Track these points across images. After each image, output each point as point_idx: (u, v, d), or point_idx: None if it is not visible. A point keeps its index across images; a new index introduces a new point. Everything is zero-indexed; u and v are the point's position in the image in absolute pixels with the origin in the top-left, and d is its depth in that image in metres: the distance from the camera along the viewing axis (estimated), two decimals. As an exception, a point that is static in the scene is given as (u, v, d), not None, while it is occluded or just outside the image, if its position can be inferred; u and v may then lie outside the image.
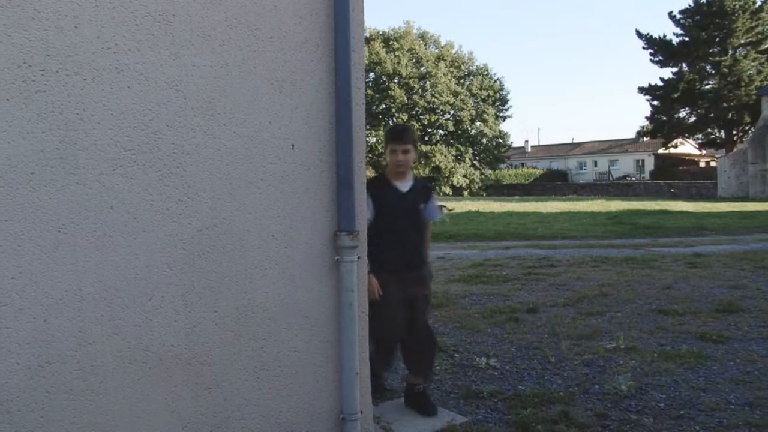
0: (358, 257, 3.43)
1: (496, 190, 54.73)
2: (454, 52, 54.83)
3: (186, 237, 2.99)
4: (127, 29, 2.88)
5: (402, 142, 4.05)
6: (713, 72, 48.60)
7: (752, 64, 46.88)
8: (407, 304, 4.13)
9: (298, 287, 3.32)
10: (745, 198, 36.43)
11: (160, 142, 2.94)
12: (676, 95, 48.92)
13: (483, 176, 55.27)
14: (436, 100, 50.98)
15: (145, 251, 2.90)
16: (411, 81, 51.36)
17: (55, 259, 2.70)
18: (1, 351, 2.62)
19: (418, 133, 47.93)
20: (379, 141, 44.92)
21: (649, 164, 61.76)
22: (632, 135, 61.74)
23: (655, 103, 51.90)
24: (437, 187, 48.02)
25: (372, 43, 51.01)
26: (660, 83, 50.72)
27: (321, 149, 3.39)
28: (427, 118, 51.43)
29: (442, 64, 52.46)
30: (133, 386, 2.89)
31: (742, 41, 47.28)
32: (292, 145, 3.28)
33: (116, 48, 2.86)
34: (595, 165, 68.52)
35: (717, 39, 47.89)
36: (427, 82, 52.42)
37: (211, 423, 3.10)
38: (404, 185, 4.13)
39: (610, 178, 60.46)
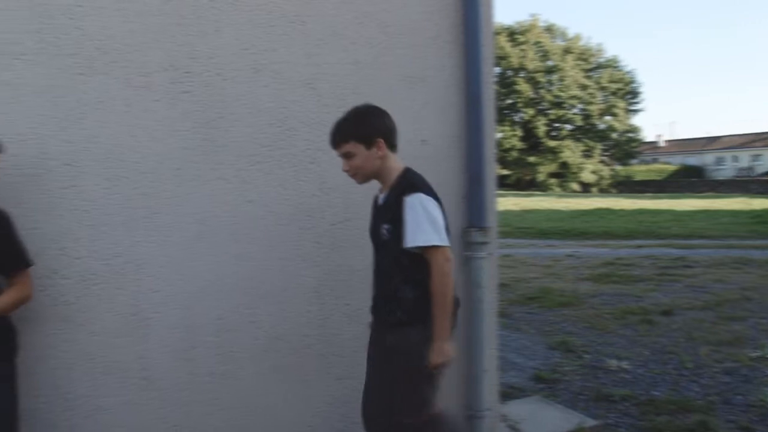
0: (489, 253, 3.38)
1: (626, 186, 52.45)
2: (582, 44, 53.10)
3: (320, 231, 3.07)
4: (263, 30, 3.00)
5: (334, 146, 2.60)
6: None
7: None
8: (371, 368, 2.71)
9: (427, 282, 3.30)
10: None
11: (295, 139, 3.03)
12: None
13: (613, 172, 53.16)
14: (563, 94, 49.59)
15: (280, 244, 3.00)
16: (537, 75, 50.27)
17: (197, 250, 2.85)
18: (152, 335, 2.81)
19: (545, 128, 46.63)
20: (506, 137, 44.31)
21: (799, 159, 57.06)
22: (779, 127, 57.10)
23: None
24: (563, 184, 46.61)
25: (497, 37, 50.33)
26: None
27: (451, 144, 3.37)
28: (554, 112, 50.13)
29: (569, 57, 50.92)
30: (269, 373, 3.01)
31: None
32: (423, 141, 3.28)
33: (254, 49, 2.98)
34: (735, 160, 64.15)
35: None
36: (554, 76, 51.09)
37: (339, 412, 3.16)
38: (381, 196, 2.65)
39: (753, 174, 56.36)
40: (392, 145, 2.57)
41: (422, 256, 2.40)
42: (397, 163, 2.58)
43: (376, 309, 2.62)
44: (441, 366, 2.43)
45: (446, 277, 2.38)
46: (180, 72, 2.86)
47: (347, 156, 2.53)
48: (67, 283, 2.72)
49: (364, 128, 2.50)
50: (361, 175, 2.57)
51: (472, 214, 3.34)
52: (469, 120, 3.34)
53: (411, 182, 2.47)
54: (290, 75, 3.02)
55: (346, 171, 2.55)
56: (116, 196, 2.80)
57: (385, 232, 2.48)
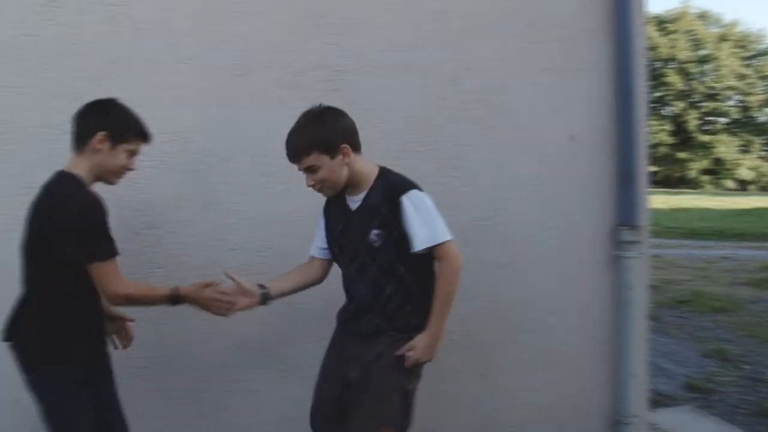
0: (640, 253, 3.22)
1: (790, 184, 48.25)
2: (739, 30, 49.39)
3: (463, 226, 3.04)
4: (411, 28, 3.01)
5: (294, 161, 2.29)
6: None
7: None
8: (340, 384, 2.40)
9: (574, 281, 3.22)
10: None
11: (440, 135, 3.02)
12: None
13: (774, 169, 49.06)
14: (717, 84, 46.35)
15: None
16: (688, 65, 47.29)
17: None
18: (300, 324, 2.92)
19: (696, 122, 43.81)
20: (654, 132, 42.15)
21: None
22: None
23: None
24: (717, 182, 43.65)
25: (645, 27, 47.76)
26: None
27: (602, 140, 3.25)
28: (707, 105, 46.98)
29: (725, 45, 47.50)
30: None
31: None
32: (573, 137, 3.18)
33: (401, 46, 3.01)
34: None
35: None
36: (708, 66, 47.85)
37: (481, 410, 3.14)
38: (353, 199, 2.35)
39: None
40: (357, 147, 2.28)
41: (420, 259, 2.21)
42: (367, 164, 2.31)
43: (347, 320, 2.38)
44: (421, 363, 2.25)
45: (458, 272, 2.21)
46: (329, 70, 2.93)
47: (310, 170, 2.23)
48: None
49: (324, 135, 2.19)
50: (328, 188, 2.28)
51: (622, 212, 3.21)
52: (620, 114, 3.21)
53: (399, 181, 2.26)
54: (436, 71, 3.02)
55: (311, 186, 2.27)
56: (268, 191, 2.90)
57: (375, 237, 2.22)
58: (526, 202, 3.10)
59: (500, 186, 3.05)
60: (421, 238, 2.16)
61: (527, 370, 3.17)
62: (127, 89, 2.66)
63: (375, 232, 2.21)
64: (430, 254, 2.21)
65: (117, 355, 2.71)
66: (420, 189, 2.23)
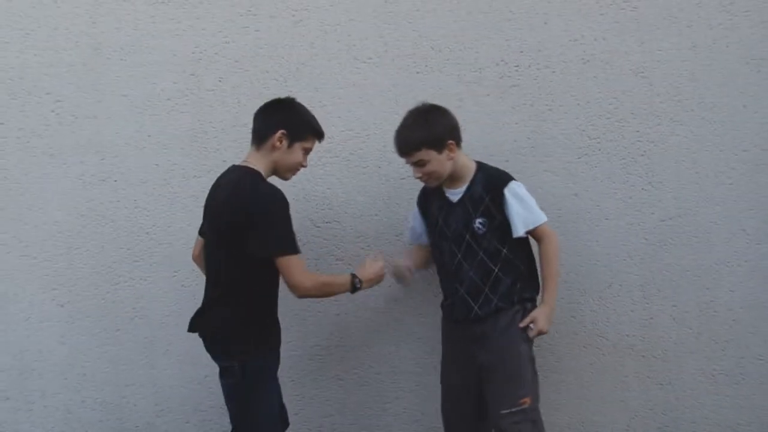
0: None
1: None
2: None
3: (648, 227, 2.90)
4: (593, 20, 2.90)
5: (404, 155, 2.44)
6: None
7: None
8: (470, 368, 2.51)
9: (770, 288, 2.96)
10: None
11: (624, 131, 2.89)
12: None
13: None
14: None
15: (606, 239, 2.89)
16: None
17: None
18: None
19: None
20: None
21: None
22: None
23: None
24: None
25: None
26: None
27: (808, 132, 2.94)
28: None
29: None
30: (585, 369, 2.93)
31: None
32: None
33: (582, 39, 2.90)
34: None
35: None
36: None
37: (659, 420, 2.95)
38: (452, 192, 2.52)
39: None
40: (460, 142, 2.47)
41: (519, 240, 2.44)
42: (467, 159, 2.51)
43: (457, 307, 2.50)
44: (544, 332, 2.44)
45: (557, 246, 2.49)
46: (509, 66, 2.90)
47: (419, 164, 2.42)
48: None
49: (433, 132, 2.38)
50: (434, 180, 2.47)
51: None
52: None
53: (498, 173, 2.49)
54: (620, 64, 2.88)
55: (419, 178, 2.46)
56: None
57: (480, 225, 2.43)
58: (716, 201, 2.87)
59: (687, 184, 2.86)
60: (522, 223, 2.41)
61: (713, 383, 2.94)
62: (312, 89, 2.86)
63: (479, 220, 2.42)
64: (528, 236, 2.47)
65: (298, 343, 2.86)
66: (515, 180, 2.46)
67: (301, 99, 2.53)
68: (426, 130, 2.38)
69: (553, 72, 2.88)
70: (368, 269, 2.42)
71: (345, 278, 2.33)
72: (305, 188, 2.89)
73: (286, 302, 2.46)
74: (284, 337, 2.49)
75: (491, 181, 2.46)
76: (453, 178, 2.50)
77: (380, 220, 2.93)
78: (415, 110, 2.44)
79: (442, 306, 2.61)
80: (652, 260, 2.88)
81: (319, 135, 2.35)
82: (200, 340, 2.33)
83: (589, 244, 2.88)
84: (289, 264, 2.11)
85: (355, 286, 2.33)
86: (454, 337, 2.57)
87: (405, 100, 2.77)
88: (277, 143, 2.22)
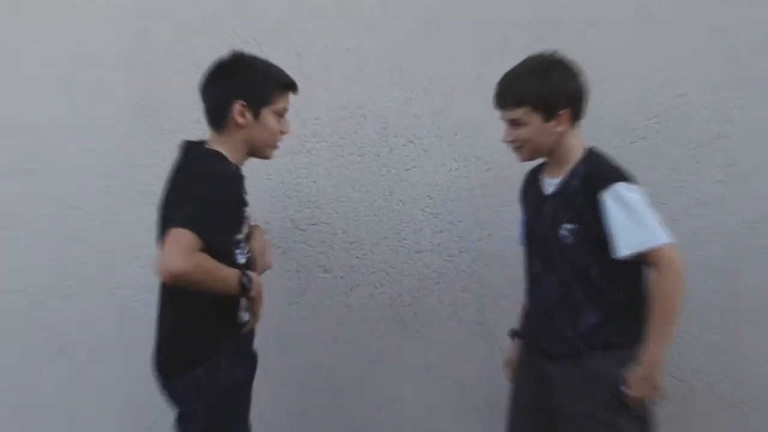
0: None
1: None
2: None
3: (727, 231, 2.35)
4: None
5: (500, 107, 1.96)
6: None
7: None
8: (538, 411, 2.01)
9: None
10: None
11: (693, 107, 2.33)
12: None
13: None
14: None
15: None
16: None
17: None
18: (497, 350, 2.28)
19: None
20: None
21: None
22: None
23: None
24: None
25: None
26: None
27: None
28: None
29: None
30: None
31: None
32: None
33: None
34: None
35: None
36: None
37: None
38: (549, 181, 2.00)
39: None
40: (578, 117, 1.90)
41: (624, 265, 1.80)
42: (578, 141, 1.92)
43: (533, 332, 2.01)
44: (645, 402, 1.81)
45: (680, 281, 1.77)
46: (544, 25, 2.37)
47: (514, 124, 1.90)
48: (405, 281, 2.45)
49: (546, 92, 1.85)
50: (527, 150, 1.93)
51: None
52: None
53: (604, 169, 1.86)
54: (691, 19, 2.32)
55: (509, 142, 1.94)
56: (463, 180, 2.43)
57: (566, 233, 1.87)
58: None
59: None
60: (626, 242, 1.78)
61: None
62: (293, 55, 2.39)
63: (567, 227, 1.87)
64: (639, 260, 1.81)
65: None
66: (629, 181, 1.82)
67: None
68: (539, 85, 1.85)
69: (601, 32, 2.35)
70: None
71: (232, 272, 1.75)
72: (285, 181, 2.43)
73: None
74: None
75: (591, 177, 1.86)
76: (555, 161, 1.95)
77: (379, 222, 2.47)
78: (538, 56, 1.92)
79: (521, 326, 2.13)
80: (734, 275, 2.32)
81: (288, 87, 1.91)
82: (147, 378, 1.86)
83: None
84: (175, 237, 1.59)
85: (243, 286, 1.76)
86: (524, 369, 2.05)
87: (410, 71, 2.39)
88: (240, 119, 1.82)
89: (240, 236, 1.79)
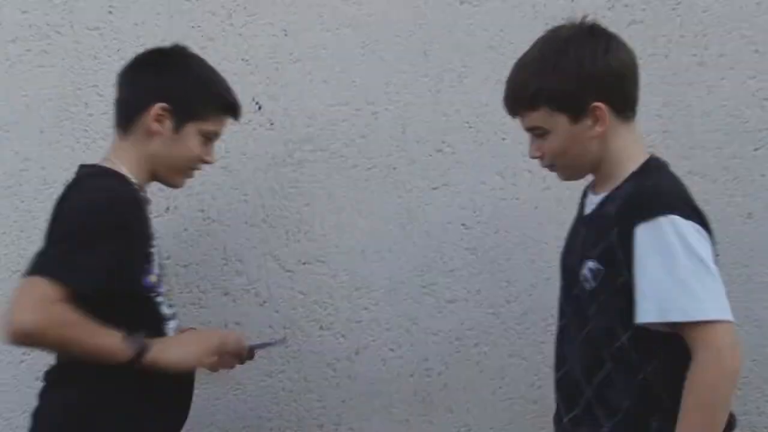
0: None
1: None
2: None
3: None
4: None
5: (511, 113, 1.62)
6: None
7: None
8: None
9: None
10: None
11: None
12: None
13: None
14: None
15: None
16: None
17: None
18: None
19: None
20: None
21: None
22: None
23: None
24: None
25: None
26: None
27: None
28: None
29: None
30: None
31: None
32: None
33: None
34: None
35: None
36: None
37: None
38: (593, 198, 1.61)
39: None
40: (622, 108, 1.45)
41: (661, 337, 1.39)
42: (633, 143, 1.48)
43: (562, 399, 1.59)
44: None
45: (729, 377, 1.34)
46: None
47: (536, 132, 1.49)
48: (432, 341, 2.03)
49: (563, 81, 1.43)
50: (563, 166, 1.52)
51: None
52: None
53: (654, 191, 1.42)
54: None
55: (537, 158, 1.54)
56: (512, 202, 2.00)
57: (588, 274, 1.45)
58: None
59: None
60: (656, 304, 1.34)
61: None
62: (279, 32, 2.04)
63: (590, 265, 1.44)
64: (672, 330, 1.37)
65: None
66: (688, 215, 1.36)
67: (259, 49, 1.88)
68: (552, 73, 1.43)
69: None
70: (185, 340, 1.63)
71: (114, 335, 1.48)
72: (266, 204, 2.01)
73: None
74: None
75: (632, 202, 1.41)
76: (602, 174, 1.49)
77: (395, 260, 2.02)
78: (552, 32, 1.51)
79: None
80: None
81: (229, 110, 1.71)
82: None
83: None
84: (30, 285, 1.43)
85: (135, 349, 1.48)
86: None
87: (438, 51, 1.97)
88: (155, 125, 1.61)
89: (152, 278, 1.57)
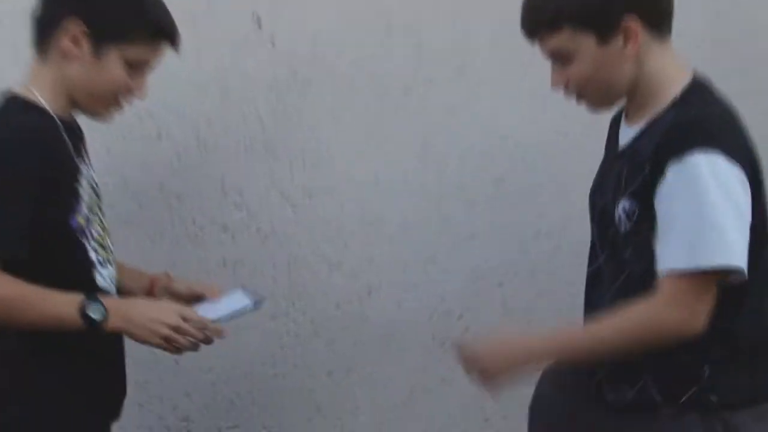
0: None
1: None
2: None
3: None
4: None
5: (529, 36, 1.40)
6: None
7: None
8: None
9: None
10: None
11: None
12: None
13: None
14: None
15: None
16: None
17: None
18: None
19: None
20: None
21: None
22: None
23: None
24: None
25: None
26: None
27: None
28: None
29: None
30: None
31: None
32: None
33: None
34: None
35: None
36: None
37: None
38: (627, 129, 1.44)
39: None
40: (656, 24, 1.30)
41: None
42: (671, 62, 1.32)
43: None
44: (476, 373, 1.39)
45: (677, 326, 1.22)
46: None
47: (559, 58, 1.34)
48: None
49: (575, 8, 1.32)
50: (591, 94, 1.37)
51: None
52: None
53: (695, 122, 1.25)
54: None
55: (560, 86, 1.38)
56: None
57: (623, 214, 1.33)
58: None
59: None
60: (672, 250, 1.21)
61: None
62: None
63: (625, 204, 1.31)
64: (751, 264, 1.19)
65: None
66: (730, 153, 1.20)
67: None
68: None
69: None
70: (147, 307, 1.44)
71: (69, 299, 1.37)
72: (268, 131, 1.88)
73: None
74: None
75: (669, 134, 1.25)
76: (637, 101, 1.35)
77: (411, 192, 1.92)
78: None
79: None
80: None
81: (162, 34, 1.48)
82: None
83: None
84: None
85: (84, 312, 1.34)
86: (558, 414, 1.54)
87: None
88: (67, 44, 1.42)
89: (80, 219, 1.42)
